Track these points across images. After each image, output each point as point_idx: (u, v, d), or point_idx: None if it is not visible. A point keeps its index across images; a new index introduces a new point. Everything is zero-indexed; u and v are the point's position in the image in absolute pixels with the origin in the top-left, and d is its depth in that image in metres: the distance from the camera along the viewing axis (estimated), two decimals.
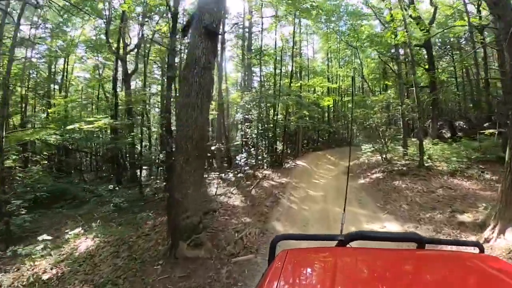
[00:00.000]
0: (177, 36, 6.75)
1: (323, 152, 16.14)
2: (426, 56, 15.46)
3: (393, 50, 16.32)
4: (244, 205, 7.00)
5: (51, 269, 5.53)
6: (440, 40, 17.17)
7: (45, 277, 5.28)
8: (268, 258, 1.17)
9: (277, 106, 13.59)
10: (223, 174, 10.43)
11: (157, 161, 10.22)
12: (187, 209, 4.27)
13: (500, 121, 10.65)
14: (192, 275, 4.22)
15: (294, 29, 14.60)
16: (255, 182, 9.22)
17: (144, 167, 13.15)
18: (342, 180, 10.01)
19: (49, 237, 6.02)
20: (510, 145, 4.75)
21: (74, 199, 9.65)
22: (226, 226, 5.58)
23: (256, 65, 15.01)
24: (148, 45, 12.70)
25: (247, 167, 10.97)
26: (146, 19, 12.32)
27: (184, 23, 6.16)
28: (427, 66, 13.98)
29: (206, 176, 11.56)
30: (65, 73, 16.97)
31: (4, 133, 8.46)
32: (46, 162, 13.18)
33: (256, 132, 12.40)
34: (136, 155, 12.58)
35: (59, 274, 5.29)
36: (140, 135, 11.24)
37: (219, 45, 13.94)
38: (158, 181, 11.13)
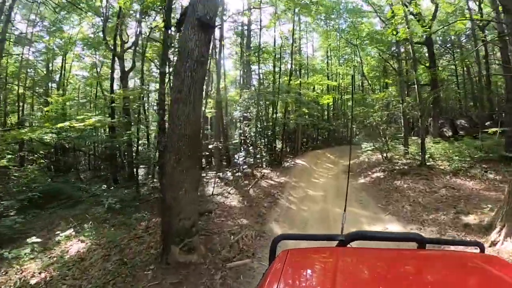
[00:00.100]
0: (172, 31, 6.46)
1: (323, 150, 15.82)
2: (426, 54, 15.22)
3: (393, 48, 16.08)
4: (241, 206, 6.70)
5: (40, 273, 5.24)
6: (440, 38, 16.89)
7: (33, 281, 4.98)
8: (269, 258, 1.16)
9: (276, 104, 13.27)
10: (221, 173, 10.13)
11: (153, 160, 9.91)
12: (179, 212, 3.97)
13: (502, 120, 10.38)
14: (184, 282, 3.94)
15: (293, 26, 14.26)
16: (253, 182, 8.93)
17: (142, 166, 12.86)
18: (342, 179, 9.73)
19: (38, 240, 5.71)
20: None
21: (70, 199, 9.35)
22: (222, 228, 5.29)
23: (255, 63, 14.68)
24: (146, 43, 12.34)
25: (246, 166, 10.67)
26: (143, 16, 11.97)
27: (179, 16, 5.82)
28: (428, 64, 13.70)
29: (204, 175, 11.29)
30: (63, 71, 16.64)
31: None
32: (42, 161, 12.89)
33: (254, 130, 12.07)
34: (133, 154, 12.29)
35: (47, 279, 5.01)
36: (136, 133, 10.89)
37: (217, 43, 13.67)
38: (155, 180, 10.85)
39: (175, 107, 3.89)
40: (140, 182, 11.00)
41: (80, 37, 15.68)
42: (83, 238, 6.11)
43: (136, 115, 11.87)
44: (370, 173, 9.76)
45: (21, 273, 5.25)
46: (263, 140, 13.69)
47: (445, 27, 12.48)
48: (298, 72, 17.24)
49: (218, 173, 10.10)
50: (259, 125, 12.89)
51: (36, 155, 13.16)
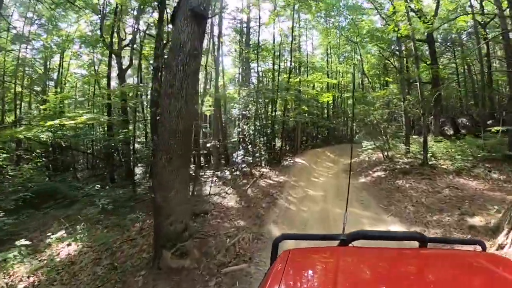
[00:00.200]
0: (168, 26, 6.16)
1: (322, 149, 15.51)
2: (427, 52, 14.91)
3: (393, 46, 15.78)
4: (238, 206, 6.41)
5: (28, 277, 4.97)
6: (441, 36, 16.58)
7: (20, 286, 4.73)
8: (270, 258, 1.15)
9: (275, 101, 12.96)
10: (219, 172, 9.85)
11: (151, 158, 9.62)
12: (169, 215, 3.69)
13: (504, 118, 10.11)
14: None
15: (293, 24, 13.93)
16: (251, 181, 8.64)
17: (140, 165, 12.58)
18: (342, 179, 9.46)
19: (27, 242, 5.43)
20: None
21: (65, 198, 9.06)
22: (218, 230, 5.01)
23: (254, 60, 14.37)
24: (143, 40, 12.03)
25: (244, 165, 10.38)
26: (141, 13, 11.66)
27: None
28: (429, 62, 13.40)
29: (203, 173, 11.01)
30: (61, 70, 16.34)
31: None
32: (39, 160, 12.61)
33: (253, 128, 11.77)
34: (132, 152, 11.99)
35: (35, 283, 4.74)
36: (133, 132, 10.59)
37: (216, 40, 13.37)
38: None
39: (167, 103, 3.61)
40: (138, 181, 10.73)
41: (77, 35, 15.38)
42: (75, 240, 5.83)
43: (134, 113, 11.56)
44: (370, 172, 9.48)
45: (8, 277, 4.99)
46: (262, 139, 13.40)
47: (447, 23, 12.17)
48: (297, 70, 16.91)
49: (216, 172, 9.82)
50: (258, 123, 12.59)
51: (33, 154, 12.89)
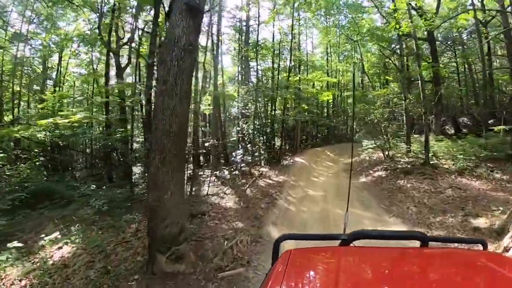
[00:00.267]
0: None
1: (322, 148, 15.31)
2: (427, 51, 14.70)
3: (394, 44, 15.56)
4: (237, 207, 6.22)
5: (20, 280, 4.79)
6: (442, 35, 16.37)
7: None
8: (272, 258, 1.14)
9: (275, 100, 12.75)
10: (217, 172, 9.65)
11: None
12: (164, 217, 3.50)
13: (505, 117, 9.92)
14: None
15: (292, 22, 13.70)
16: (250, 181, 8.46)
17: (139, 164, 12.37)
18: (342, 178, 9.27)
19: (19, 244, 5.25)
20: None
21: (62, 198, 8.88)
22: (215, 232, 4.82)
23: (253, 59, 14.15)
24: (141, 38, 11.81)
25: (243, 164, 10.19)
26: (139, 10, 11.45)
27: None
28: (429, 61, 13.19)
29: (202, 173, 10.82)
30: (60, 68, 16.12)
31: None
32: (37, 159, 12.41)
33: (252, 127, 11.56)
34: (130, 152, 11.79)
35: (27, 287, 4.57)
36: (131, 130, 10.38)
37: (215, 38, 13.16)
38: None
39: (160, 100, 3.42)
40: (136, 180, 10.53)
41: (76, 34, 15.17)
42: (69, 242, 5.64)
43: (132, 112, 11.35)
44: (371, 171, 9.28)
45: (1, 280, 4.82)
46: (261, 138, 13.20)
47: (448, 21, 11.97)
48: (297, 69, 16.68)
49: (215, 172, 9.63)
50: (257, 122, 12.38)
51: (31, 154, 12.69)
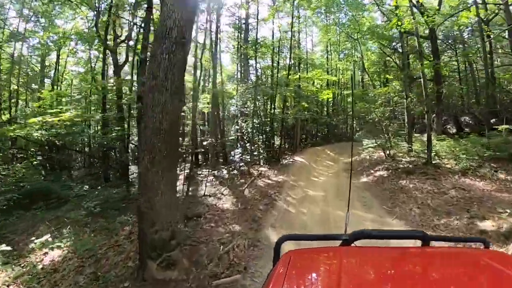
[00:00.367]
0: None
1: (322, 147, 15.03)
2: (427, 51, 14.42)
3: (395, 43, 15.27)
4: (234, 209, 5.95)
5: (8, 285, 4.55)
6: (443, 33, 16.07)
7: None
8: (273, 259, 1.11)
9: (274, 97, 12.46)
10: (216, 171, 9.38)
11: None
12: (154, 222, 3.24)
13: (508, 117, 9.66)
14: None
15: (292, 20, 13.40)
16: (249, 181, 8.19)
17: (136, 163, 12.10)
18: (343, 178, 9.00)
19: (8, 248, 5.00)
20: None
21: (57, 199, 8.60)
22: (211, 236, 4.55)
23: (252, 57, 13.84)
24: (138, 35, 11.52)
25: (242, 163, 9.92)
26: (137, 7, 11.16)
27: None
28: (431, 59, 12.92)
29: (200, 173, 10.55)
30: (57, 67, 15.83)
31: None
32: (34, 159, 12.13)
33: (251, 126, 11.27)
34: (127, 151, 11.52)
35: None
36: (128, 129, 10.11)
37: (213, 36, 12.87)
38: None
39: (150, 97, 3.15)
40: (133, 180, 10.26)
41: (74, 32, 14.88)
42: (60, 245, 5.38)
43: (129, 110, 11.06)
44: (372, 171, 9.02)
45: None
46: (260, 137, 12.91)
47: (450, 18, 11.68)
48: (297, 67, 16.38)
49: (213, 171, 9.36)
50: (256, 121, 12.09)
51: (28, 153, 12.41)
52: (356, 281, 0.84)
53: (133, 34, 12.43)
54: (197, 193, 7.51)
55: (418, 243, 1.13)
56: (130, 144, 11.51)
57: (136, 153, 11.85)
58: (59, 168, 12.86)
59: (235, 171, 9.40)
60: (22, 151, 12.41)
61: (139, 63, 5.03)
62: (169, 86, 3.09)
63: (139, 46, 11.18)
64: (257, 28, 13.45)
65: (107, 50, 11.71)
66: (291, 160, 11.84)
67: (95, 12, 11.93)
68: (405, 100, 9.83)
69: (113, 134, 8.59)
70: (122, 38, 12.53)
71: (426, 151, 8.66)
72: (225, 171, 9.68)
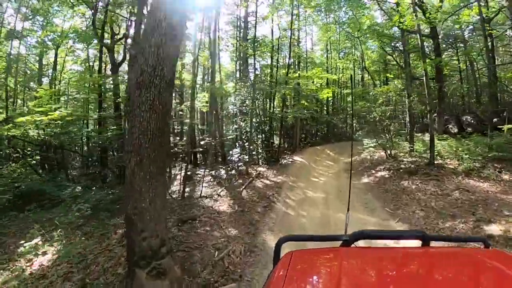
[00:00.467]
0: None
1: (322, 147, 14.76)
2: (428, 50, 14.14)
3: (395, 42, 15.00)
4: (231, 211, 5.69)
5: None
6: (443, 32, 15.80)
7: None
8: (273, 260, 1.10)
9: (273, 96, 12.18)
10: (214, 171, 9.12)
11: None
12: (142, 229, 2.99)
13: (510, 116, 9.39)
14: None
15: (292, 17, 13.12)
16: (247, 181, 7.93)
17: None
18: (344, 179, 8.75)
19: None
20: None
21: (52, 200, 8.34)
22: (206, 241, 4.30)
23: (251, 56, 13.56)
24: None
25: (241, 163, 9.65)
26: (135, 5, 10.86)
27: None
28: (433, 57, 12.65)
29: (198, 172, 10.29)
30: (56, 66, 15.56)
31: None
32: (30, 159, 11.88)
33: (249, 125, 11.00)
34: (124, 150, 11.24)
35: None
36: (123, 128, 9.83)
37: (212, 34, 12.58)
38: None
39: (137, 94, 2.89)
40: None
41: (72, 30, 14.62)
42: (50, 249, 5.13)
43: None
44: (373, 172, 8.76)
45: None
46: (259, 136, 12.64)
47: (452, 16, 11.40)
48: (297, 66, 16.09)
49: (211, 171, 9.10)
50: (255, 120, 11.81)
51: (24, 152, 12.15)
52: (356, 281, 0.83)
53: (131, 32, 12.17)
54: (194, 194, 7.25)
55: (418, 243, 1.12)
56: None
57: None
58: (57, 168, 12.61)
59: (233, 171, 9.14)
60: (18, 150, 12.17)
61: (130, 59, 4.78)
62: (158, 82, 2.83)
63: None
64: (255, 26, 13.16)
65: (105, 49, 11.44)
66: (290, 160, 11.58)
67: (93, 11, 11.67)
68: (406, 99, 9.55)
69: (108, 134, 8.32)
70: (120, 36, 12.27)
71: (428, 151, 8.42)
72: (223, 171, 9.42)
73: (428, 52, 14.07)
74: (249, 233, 4.70)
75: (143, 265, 3.16)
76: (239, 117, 12.24)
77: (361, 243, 1.13)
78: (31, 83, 15.71)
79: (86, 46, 14.78)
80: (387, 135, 9.74)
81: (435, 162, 8.16)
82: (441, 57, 12.82)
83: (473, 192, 6.54)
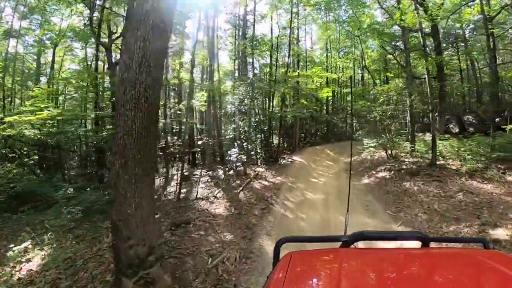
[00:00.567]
0: None
1: (322, 146, 14.51)
2: (428, 48, 13.89)
3: (395, 41, 14.74)
4: (227, 214, 5.46)
5: None
6: (444, 30, 15.55)
7: None
8: (273, 261, 1.11)
9: (272, 94, 11.92)
10: (211, 172, 8.89)
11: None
12: (128, 236, 2.77)
13: None
14: None
15: (291, 15, 12.87)
16: (245, 182, 7.69)
17: None
18: (344, 179, 8.52)
19: None
20: None
21: (45, 201, 8.12)
22: (199, 246, 4.07)
23: (250, 54, 13.31)
24: None
25: (239, 164, 9.42)
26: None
27: None
28: (434, 56, 12.41)
29: (196, 173, 10.07)
30: (53, 64, 15.33)
31: None
32: (27, 158, 11.66)
33: (248, 124, 10.75)
34: None
35: None
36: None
37: (210, 33, 12.34)
38: None
39: (121, 91, 2.66)
40: None
41: (70, 29, 14.40)
42: (40, 253, 4.91)
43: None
44: (374, 172, 8.52)
45: None
46: (258, 136, 12.40)
47: (454, 13, 11.16)
48: (296, 65, 15.83)
49: (209, 172, 8.86)
50: (253, 119, 11.56)
51: (20, 152, 11.93)
52: (356, 282, 0.82)
53: None
54: (190, 195, 7.02)
55: (418, 244, 1.11)
56: None
57: None
58: (55, 168, 12.40)
59: (232, 172, 8.91)
60: (15, 150, 11.95)
61: (121, 55, 4.55)
62: (144, 79, 2.60)
63: None
64: (254, 25, 12.91)
65: (103, 47, 11.22)
66: (289, 160, 11.35)
67: (90, 10, 11.44)
68: (407, 99, 9.30)
69: (104, 133, 8.10)
70: (117, 35, 12.03)
71: (429, 151, 8.19)
72: (221, 172, 9.18)
73: (428, 51, 13.83)
74: (245, 237, 4.46)
75: (130, 274, 2.94)
76: (238, 116, 11.99)
77: (360, 244, 1.13)
78: (29, 82, 15.51)
79: (84, 45, 14.54)
80: (387, 134, 9.50)
81: (437, 162, 7.93)
82: (442, 55, 12.59)
83: (477, 194, 6.31)
